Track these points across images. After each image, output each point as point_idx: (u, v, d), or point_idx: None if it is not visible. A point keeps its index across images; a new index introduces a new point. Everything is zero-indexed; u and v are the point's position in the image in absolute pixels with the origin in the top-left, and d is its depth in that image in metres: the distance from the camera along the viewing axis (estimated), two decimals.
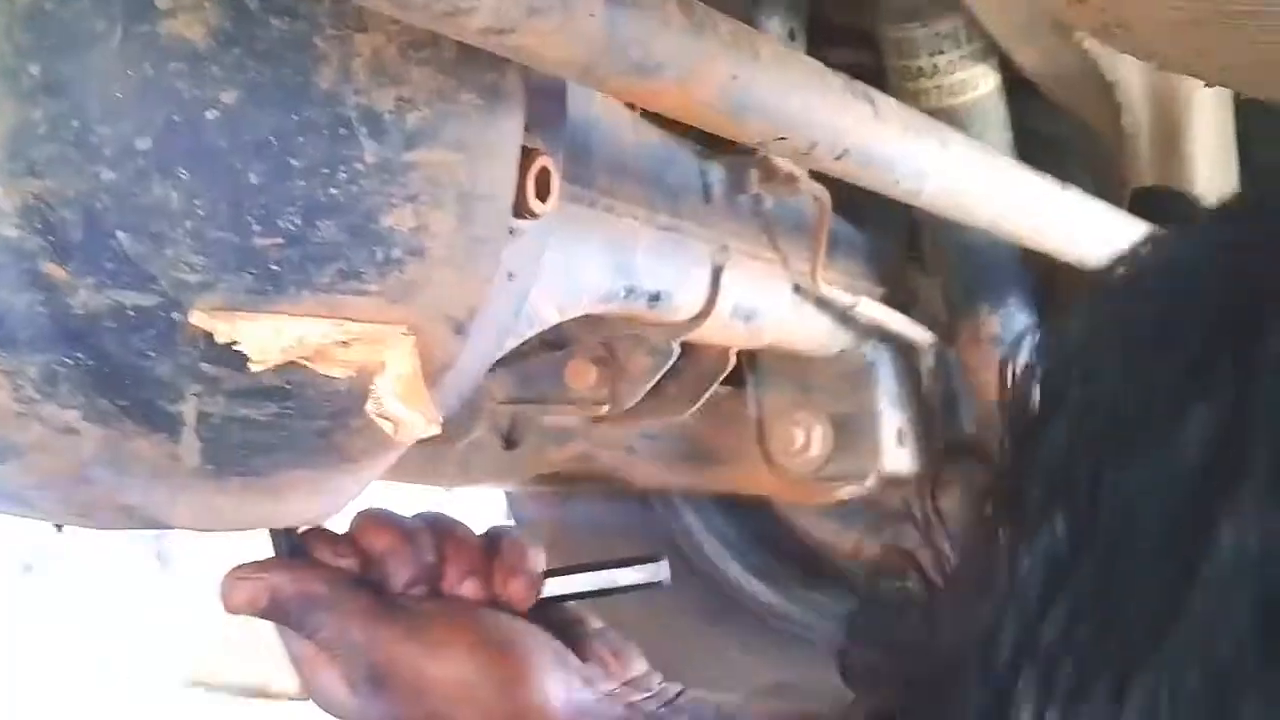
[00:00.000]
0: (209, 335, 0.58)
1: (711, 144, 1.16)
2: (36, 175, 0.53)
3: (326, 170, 0.58)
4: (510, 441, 1.42)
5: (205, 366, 0.59)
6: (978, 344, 1.41)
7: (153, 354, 0.58)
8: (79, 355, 0.57)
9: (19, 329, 0.56)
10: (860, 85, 0.77)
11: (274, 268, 0.58)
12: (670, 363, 1.16)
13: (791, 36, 1.27)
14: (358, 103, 0.58)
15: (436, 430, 0.62)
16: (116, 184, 0.54)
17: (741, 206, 1.19)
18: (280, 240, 0.58)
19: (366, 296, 0.60)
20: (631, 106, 0.98)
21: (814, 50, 1.27)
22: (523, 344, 1.20)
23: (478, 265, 0.66)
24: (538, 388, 1.21)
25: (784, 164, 1.12)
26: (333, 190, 0.58)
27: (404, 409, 0.62)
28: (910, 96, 1.28)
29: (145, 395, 0.59)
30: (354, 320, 0.60)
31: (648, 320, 1.09)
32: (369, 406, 0.62)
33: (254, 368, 0.58)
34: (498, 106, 0.65)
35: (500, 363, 1.21)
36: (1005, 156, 1.13)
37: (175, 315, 0.57)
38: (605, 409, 1.17)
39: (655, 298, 1.06)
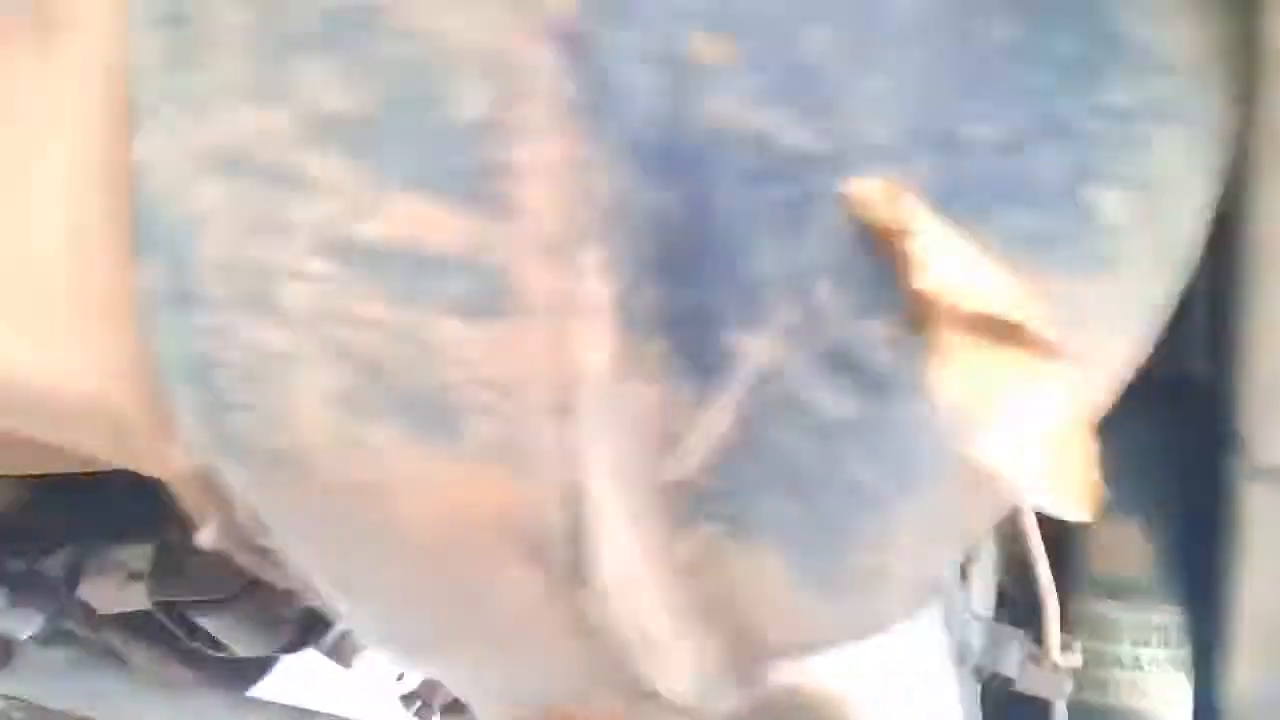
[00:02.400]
0: (863, 211, 0.37)
1: None
2: None
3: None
4: None
5: (820, 257, 0.38)
6: None
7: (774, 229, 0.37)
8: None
9: None
10: None
11: (979, 167, 0.39)
12: None
13: None
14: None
15: (1083, 514, 0.40)
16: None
17: None
18: (993, 137, 0.39)
19: (1055, 275, 0.41)
20: None
21: None
22: None
23: (1138, 326, 0.46)
24: None
25: None
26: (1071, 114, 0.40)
27: (1035, 474, 0.40)
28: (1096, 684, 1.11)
29: (712, 297, 0.38)
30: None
31: None
32: (978, 454, 0.41)
33: (915, 282, 0.37)
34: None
35: None
36: None
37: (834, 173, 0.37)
38: None
39: None
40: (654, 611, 0.43)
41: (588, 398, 0.38)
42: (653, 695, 0.46)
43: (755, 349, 0.38)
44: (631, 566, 0.42)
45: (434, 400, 0.38)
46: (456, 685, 0.54)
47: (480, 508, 0.39)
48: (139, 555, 1.38)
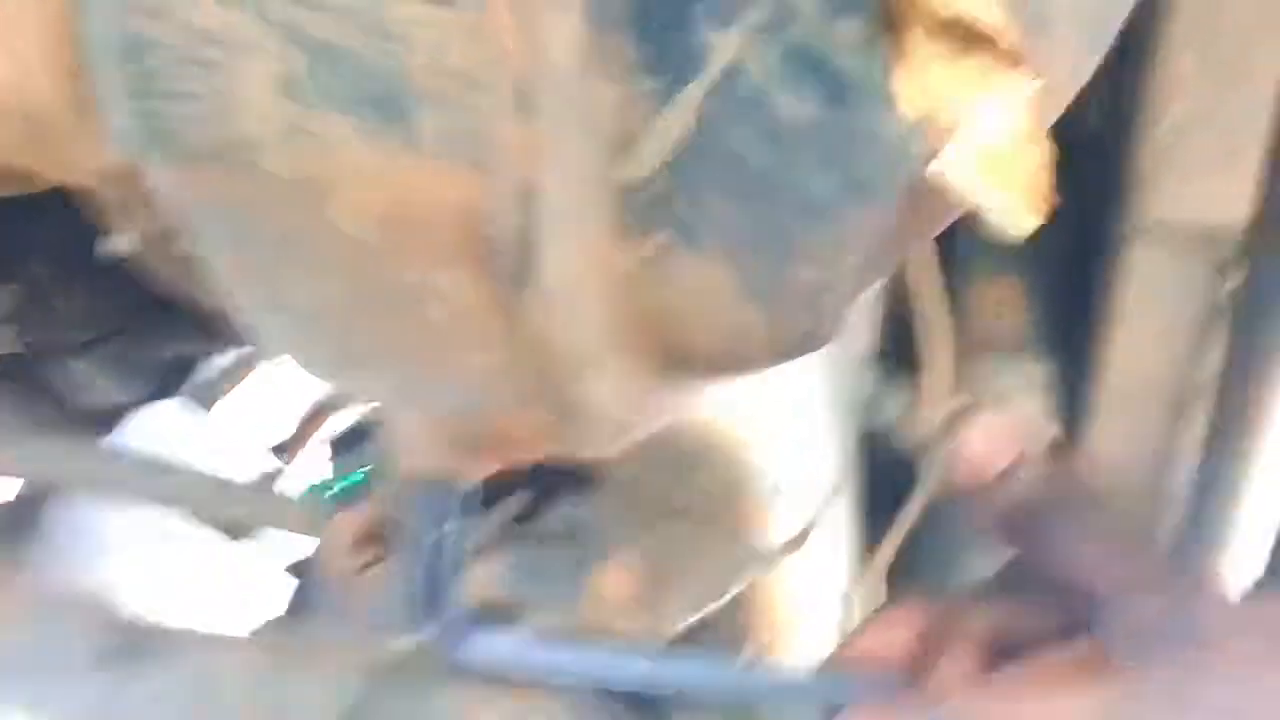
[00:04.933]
0: None
1: None
2: None
3: None
4: None
5: None
6: None
7: None
8: None
9: None
10: None
11: None
12: (728, 596, 0.91)
13: None
14: None
15: (1033, 225, 0.41)
16: None
17: None
18: None
19: None
20: None
21: None
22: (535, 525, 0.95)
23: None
24: (549, 583, 0.94)
25: None
26: None
27: (987, 185, 0.40)
28: None
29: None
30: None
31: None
32: (933, 166, 0.40)
33: None
34: None
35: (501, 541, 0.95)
36: None
37: None
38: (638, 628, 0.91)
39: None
40: (592, 321, 0.43)
41: (550, 94, 0.37)
42: (580, 410, 0.46)
43: (723, 46, 0.37)
44: (576, 272, 0.41)
45: (391, 90, 0.37)
46: (377, 397, 0.53)
47: (430, 203, 0.38)
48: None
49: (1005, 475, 0.56)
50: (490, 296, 0.41)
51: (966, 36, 0.39)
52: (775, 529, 0.91)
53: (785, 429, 0.83)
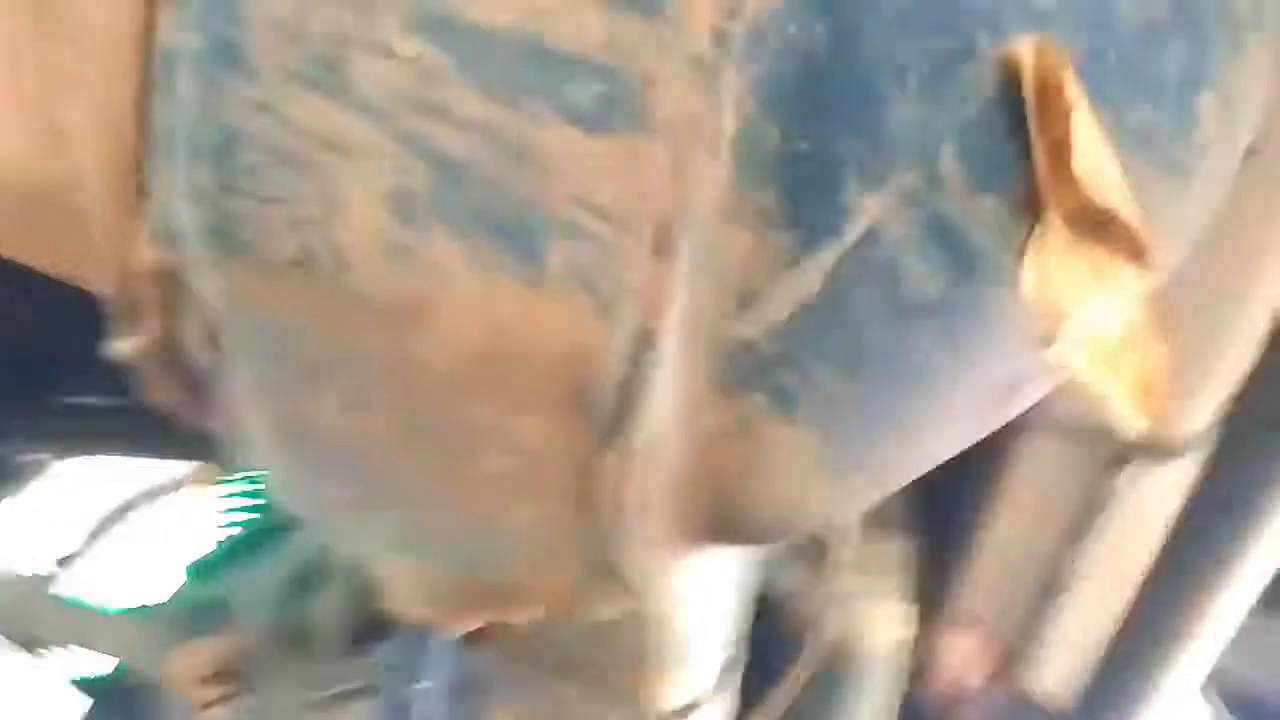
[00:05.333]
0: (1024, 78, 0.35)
1: None
2: None
3: None
4: None
5: (953, 119, 0.36)
6: None
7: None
8: None
9: None
10: None
11: (1121, 51, 0.37)
12: None
13: None
14: None
15: (1146, 424, 0.40)
16: None
17: None
18: (1137, 22, 0.37)
19: (1149, 177, 0.39)
20: None
21: None
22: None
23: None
24: None
25: None
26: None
27: (1100, 376, 0.40)
28: None
29: (839, 147, 0.35)
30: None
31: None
32: (1048, 352, 0.39)
33: (1069, 163, 0.36)
34: None
35: None
36: None
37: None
38: None
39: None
40: (665, 479, 0.40)
41: (689, 237, 0.34)
42: (614, 574, 0.43)
43: (867, 209, 0.35)
44: (665, 428, 0.38)
45: (521, 216, 0.34)
46: (383, 543, 0.49)
47: (535, 341, 0.35)
48: None
49: (975, 693, 0.54)
50: (568, 447, 0.37)
51: (1097, 226, 0.38)
52: (671, 696, 0.87)
53: (698, 594, 0.80)
